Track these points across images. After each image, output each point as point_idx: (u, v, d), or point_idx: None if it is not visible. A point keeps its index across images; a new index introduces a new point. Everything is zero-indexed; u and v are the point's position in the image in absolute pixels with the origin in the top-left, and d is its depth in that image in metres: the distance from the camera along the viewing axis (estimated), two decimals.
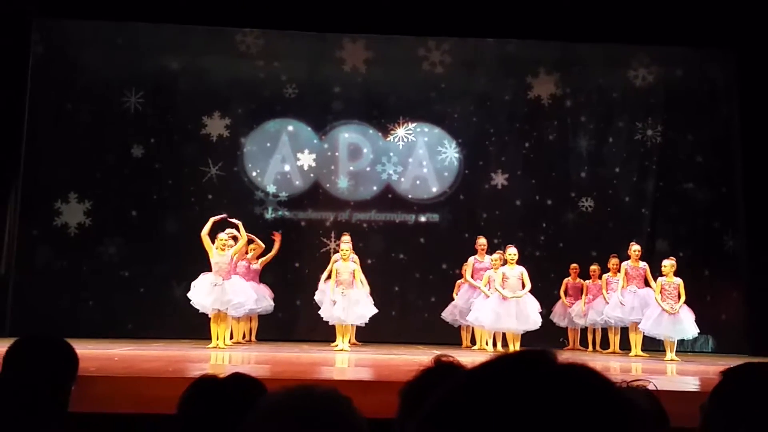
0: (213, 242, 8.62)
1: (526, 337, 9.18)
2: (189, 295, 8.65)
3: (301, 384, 1.19)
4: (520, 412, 0.70)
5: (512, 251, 9.30)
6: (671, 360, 8.64)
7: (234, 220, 9.04)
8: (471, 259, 9.92)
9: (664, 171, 11.50)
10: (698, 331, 9.05)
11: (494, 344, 9.38)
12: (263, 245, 9.84)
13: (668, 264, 8.99)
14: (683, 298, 8.87)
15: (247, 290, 8.93)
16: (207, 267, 8.66)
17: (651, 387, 1.77)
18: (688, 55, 11.57)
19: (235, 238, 8.98)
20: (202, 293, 8.56)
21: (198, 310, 8.74)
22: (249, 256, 9.65)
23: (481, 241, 9.97)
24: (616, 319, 9.54)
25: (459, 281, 10.29)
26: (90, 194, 10.87)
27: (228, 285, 8.55)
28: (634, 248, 9.52)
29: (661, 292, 8.92)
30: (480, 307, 9.22)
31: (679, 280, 8.94)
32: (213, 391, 1.89)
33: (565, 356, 0.76)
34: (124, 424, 4.24)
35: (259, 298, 9.50)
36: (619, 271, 9.67)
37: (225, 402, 1.81)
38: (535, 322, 9.13)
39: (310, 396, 1.15)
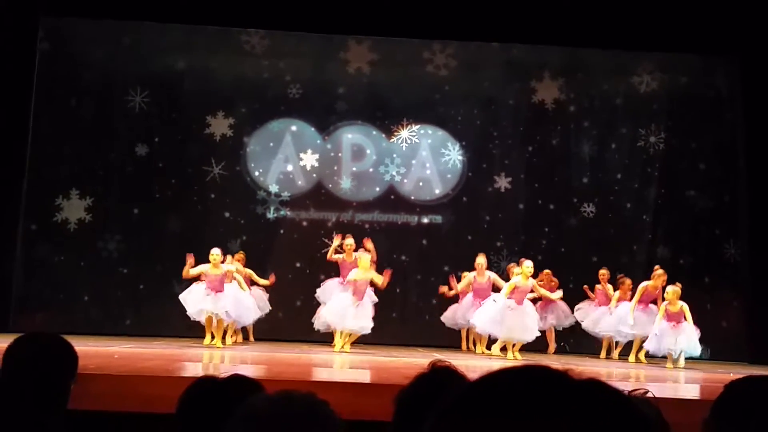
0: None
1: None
2: (181, 298, 8.95)
3: (281, 390, 1.23)
4: (533, 424, 0.69)
5: (528, 264, 9.12)
6: (672, 367, 8.63)
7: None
8: (470, 276, 9.78)
9: (667, 178, 11.48)
10: (701, 348, 8.94)
11: (489, 347, 9.39)
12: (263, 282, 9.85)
13: (671, 291, 8.84)
14: (690, 320, 8.79)
15: (243, 299, 9.08)
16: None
17: (650, 395, 1.77)
18: (692, 62, 11.56)
19: None
20: (195, 300, 8.81)
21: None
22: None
23: (480, 260, 9.77)
24: (626, 335, 9.51)
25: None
26: (91, 191, 10.88)
27: (221, 295, 8.74)
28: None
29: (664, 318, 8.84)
30: (484, 310, 9.19)
31: (683, 305, 8.81)
32: (212, 392, 1.90)
33: (578, 371, 0.74)
34: (123, 423, 4.25)
35: (255, 298, 9.56)
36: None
37: (224, 403, 1.82)
38: (532, 334, 9.04)
39: (289, 400, 1.19)
